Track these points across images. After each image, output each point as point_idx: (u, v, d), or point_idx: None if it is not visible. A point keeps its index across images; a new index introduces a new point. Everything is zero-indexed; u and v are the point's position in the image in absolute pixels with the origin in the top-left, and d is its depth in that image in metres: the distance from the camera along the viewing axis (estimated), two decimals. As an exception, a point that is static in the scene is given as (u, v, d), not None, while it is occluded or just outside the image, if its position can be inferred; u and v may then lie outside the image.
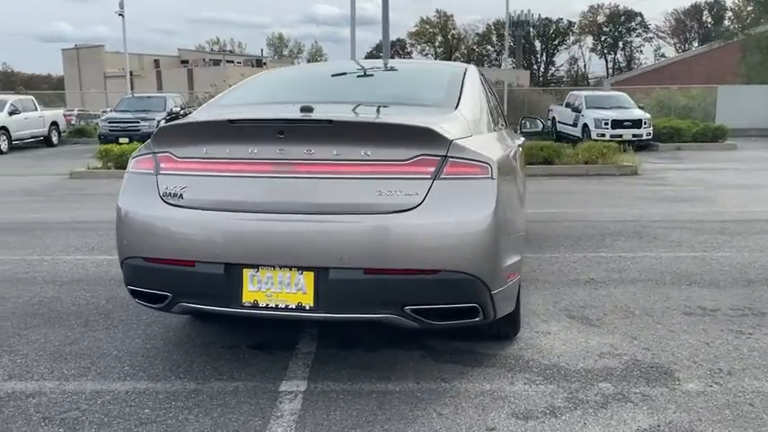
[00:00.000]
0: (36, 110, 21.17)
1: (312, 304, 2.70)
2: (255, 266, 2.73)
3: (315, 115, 2.74)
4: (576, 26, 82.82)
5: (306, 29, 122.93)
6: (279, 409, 2.73)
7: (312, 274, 2.69)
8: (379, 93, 3.58)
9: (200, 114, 3.31)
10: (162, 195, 2.88)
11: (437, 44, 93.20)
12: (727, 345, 3.47)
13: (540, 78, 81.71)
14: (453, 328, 3.21)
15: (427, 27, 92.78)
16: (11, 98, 21.54)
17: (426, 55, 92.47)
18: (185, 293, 2.86)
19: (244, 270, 2.74)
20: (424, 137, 2.70)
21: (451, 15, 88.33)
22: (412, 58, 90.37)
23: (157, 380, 3.02)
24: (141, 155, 3.03)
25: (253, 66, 58.17)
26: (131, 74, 55.33)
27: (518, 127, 5.65)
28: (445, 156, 2.72)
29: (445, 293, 2.72)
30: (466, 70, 3.73)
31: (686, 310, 4.04)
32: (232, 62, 62.47)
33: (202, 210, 2.79)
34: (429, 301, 2.72)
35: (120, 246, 3.00)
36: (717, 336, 3.60)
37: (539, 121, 5.59)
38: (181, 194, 2.85)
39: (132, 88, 49.84)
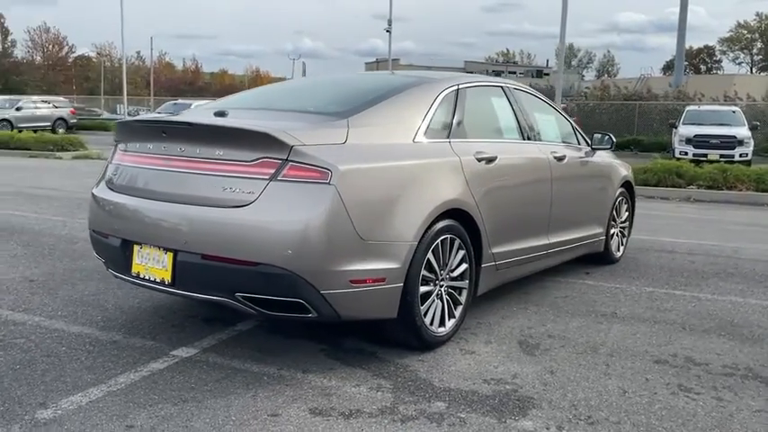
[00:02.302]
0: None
1: (170, 280, 3.16)
2: (140, 244, 3.27)
3: (181, 118, 3.19)
4: None
5: (607, 38, 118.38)
6: (146, 365, 3.23)
7: (171, 254, 3.14)
8: (305, 102, 3.84)
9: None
10: (106, 180, 3.58)
11: (754, 51, 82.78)
12: (647, 398, 3.05)
13: None
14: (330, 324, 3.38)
15: (743, 32, 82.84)
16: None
17: (740, 63, 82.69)
18: (107, 260, 3.54)
19: (134, 245, 3.30)
20: (264, 141, 2.97)
21: (777, 17, 77.59)
22: (720, 66, 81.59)
23: (103, 329, 3.73)
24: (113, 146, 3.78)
25: (533, 76, 58.29)
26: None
27: (591, 141, 5.38)
28: (285, 159, 2.96)
29: (267, 285, 2.96)
30: (416, 86, 3.79)
31: (663, 358, 3.56)
32: (514, 73, 63.20)
33: (119, 193, 3.42)
34: (254, 291, 2.99)
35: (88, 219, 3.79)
36: (651, 388, 3.17)
37: (608, 138, 5.31)
38: (112, 180, 3.52)
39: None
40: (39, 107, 29.35)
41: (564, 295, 4.80)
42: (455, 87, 3.96)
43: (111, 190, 3.51)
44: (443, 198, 3.48)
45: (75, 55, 69.50)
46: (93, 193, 3.66)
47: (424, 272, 3.40)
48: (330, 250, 2.96)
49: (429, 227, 3.38)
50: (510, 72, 64.82)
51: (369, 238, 3.09)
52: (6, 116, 27.20)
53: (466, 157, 3.75)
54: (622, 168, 5.93)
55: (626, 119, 26.75)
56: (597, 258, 5.75)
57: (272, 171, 2.96)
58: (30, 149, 17.39)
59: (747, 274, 5.67)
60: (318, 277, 2.95)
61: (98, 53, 67.34)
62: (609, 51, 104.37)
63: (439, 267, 3.52)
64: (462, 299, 3.74)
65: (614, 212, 5.77)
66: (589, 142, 5.36)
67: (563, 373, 3.31)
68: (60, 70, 67.00)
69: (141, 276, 3.28)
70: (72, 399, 2.84)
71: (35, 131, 21.16)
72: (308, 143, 3.00)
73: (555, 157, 4.67)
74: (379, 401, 2.93)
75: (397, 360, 3.41)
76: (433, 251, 3.44)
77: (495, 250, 4.00)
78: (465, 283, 3.75)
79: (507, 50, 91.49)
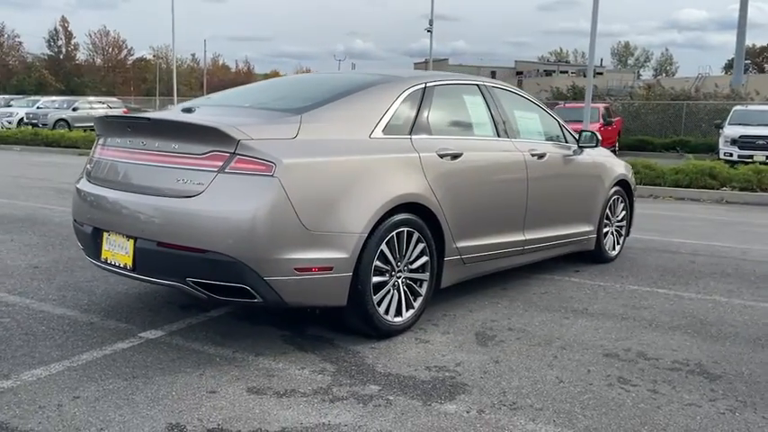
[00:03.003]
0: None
1: (131, 266, 3.38)
2: (108, 231, 3.51)
3: (143, 114, 3.41)
4: None
5: (666, 35, 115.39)
6: (111, 345, 3.46)
7: (132, 241, 3.36)
8: (270, 99, 4.00)
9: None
10: (87, 173, 3.84)
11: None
12: (580, 388, 3.11)
13: None
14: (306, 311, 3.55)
15: (810, 31, 79.49)
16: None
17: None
18: (83, 247, 3.79)
19: (103, 233, 3.54)
20: (213, 135, 3.16)
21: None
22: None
23: (85, 312, 3.99)
24: None
25: (584, 75, 57.39)
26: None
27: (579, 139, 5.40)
28: (233, 153, 3.14)
29: (213, 271, 3.15)
30: (379, 84, 3.93)
31: (614, 352, 3.60)
32: (566, 72, 62.26)
33: (94, 185, 3.67)
34: (203, 277, 3.19)
35: (73, 209, 4.06)
36: (589, 379, 3.23)
37: (593, 136, 5.35)
38: (91, 173, 3.78)
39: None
40: (94, 107, 30.50)
41: (543, 291, 4.85)
42: (422, 86, 4.07)
43: (89, 182, 3.76)
44: (397, 192, 3.59)
45: (133, 57, 71.94)
46: (76, 186, 3.92)
47: (377, 263, 3.53)
48: (272, 239, 3.12)
49: (382, 219, 3.50)
50: (561, 71, 63.89)
51: (314, 229, 3.24)
52: (63, 116, 28.42)
53: (426, 154, 3.85)
54: (618, 167, 5.91)
55: (673, 119, 26.11)
56: (591, 257, 5.76)
57: (221, 164, 3.15)
58: (78, 147, 18.19)
59: (744, 275, 5.58)
60: (261, 264, 3.12)
61: (155, 56, 69.53)
62: (667, 50, 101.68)
63: (395, 259, 3.64)
64: (423, 290, 3.85)
65: (608, 211, 5.77)
66: (578, 140, 5.38)
67: (506, 363, 3.39)
68: (119, 72, 69.47)
69: (109, 262, 3.52)
70: (34, 372, 3.09)
71: (84, 131, 22.06)
72: (255, 137, 3.17)
73: (533, 155, 4.72)
74: (316, 383, 3.08)
75: (350, 347, 3.55)
76: (387, 243, 3.57)
77: (461, 244, 4.10)
78: (426, 276, 3.86)
79: (560, 49, 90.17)
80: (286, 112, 3.51)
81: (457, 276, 4.19)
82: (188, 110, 3.64)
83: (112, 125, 3.67)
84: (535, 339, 3.78)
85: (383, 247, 3.55)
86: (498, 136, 4.56)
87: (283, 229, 3.14)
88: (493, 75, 64.97)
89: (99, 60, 70.15)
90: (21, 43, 68.29)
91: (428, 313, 4.11)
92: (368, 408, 2.84)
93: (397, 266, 3.68)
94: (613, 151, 21.39)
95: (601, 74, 66.03)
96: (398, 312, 3.72)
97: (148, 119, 3.41)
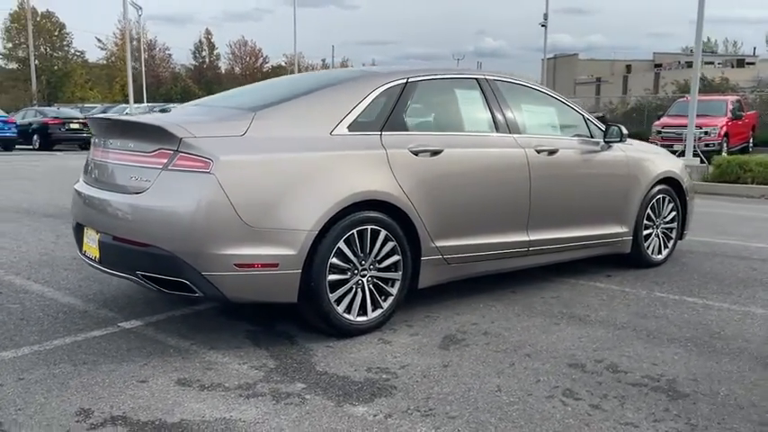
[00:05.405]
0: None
1: (99, 258, 3.58)
2: (85, 226, 3.75)
3: (107, 115, 3.59)
4: None
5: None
6: (87, 332, 3.68)
7: (99, 235, 3.56)
8: (244, 99, 4.02)
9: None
10: (83, 173, 4.12)
11: None
12: (514, 398, 2.92)
13: None
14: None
15: None
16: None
17: None
18: (76, 242, 4.07)
19: (84, 228, 3.78)
20: (160, 134, 3.28)
21: None
22: None
23: (87, 300, 4.27)
24: None
25: (732, 66, 53.27)
26: (599, 80, 56.55)
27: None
28: (176, 150, 3.24)
29: (156, 266, 3.26)
30: (351, 80, 3.88)
31: (582, 363, 3.34)
32: (711, 63, 57.93)
33: (83, 183, 3.93)
34: (148, 270, 3.31)
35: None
36: (531, 390, 3.02)
37: (617, 130, 4.95)
38: (84, 172, 4.04)
39: (598, 93, 51.73)
40: (223, 113, 32.51)
41: (553, 295, 4.57)
42: (402, 81, 3.97)
43: (83, 182, 4.03)
44: (355, 189, 3.53)
45: (268, 65, 75.69)
46: (74, 187, 4.22)
47: (334, 260, 3.49)
48: (208, 235, 3.18)
49: (338, 217, 3.46)
50: (706, 62, 59.42)
51: (257, 225, 3.26)
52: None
53: (396, 150, 3.76)
54: (662, 164, 5.43)
55: (823, 112, 23.58)
56: (628, 261, 5.34)
57: (165, 161, 3.26)
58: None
59: (808, 284, 4.94)
60: (197, 259, 3.19)
61: (287, 62, 72.71)
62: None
63: (357, 257, 3.59)
64: (393, 290, 3.77)
65: (650, 211, 5.32)
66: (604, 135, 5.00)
67: (454, 369, 3.24)
68: (256, 79, 73.37)
69: (87, 254, 3.76)
70: (2, 354, 3.36)
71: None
72: (198, 135, 3.25)
73: (539, 151, 4.45)
74: (246, 378, 3.10)
75: (306, 344, 3.55)
76: (346, 241, 3.52)
77: (442, 244, 3.96)
78: (397, 275, 3.77)
79: (708, 39, 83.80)
80: (243, 110, 3.57)
81: (440, 277, 4.05)
82: (163, 110, 3.81)
83: (96, 126, 3.91)
84: (504, 345, 3.57)
85: (341, 244, 3.50)
86: (497, 131, 4.35)
87: (220, 224, 3.20)
88: (628, 68, 61.77)
89: (237, 69, 74.48)
90: (170, 55, 73.97)
91: (409, 313, 4.02)
92: (278, 405, 2.83)
93: (361, 265, 3.62)
94: (745, 148, 19.80)
95: (752, 63, 60.70)
96: (363, 311, 3.65)
97: (109, 119, 3.61)
